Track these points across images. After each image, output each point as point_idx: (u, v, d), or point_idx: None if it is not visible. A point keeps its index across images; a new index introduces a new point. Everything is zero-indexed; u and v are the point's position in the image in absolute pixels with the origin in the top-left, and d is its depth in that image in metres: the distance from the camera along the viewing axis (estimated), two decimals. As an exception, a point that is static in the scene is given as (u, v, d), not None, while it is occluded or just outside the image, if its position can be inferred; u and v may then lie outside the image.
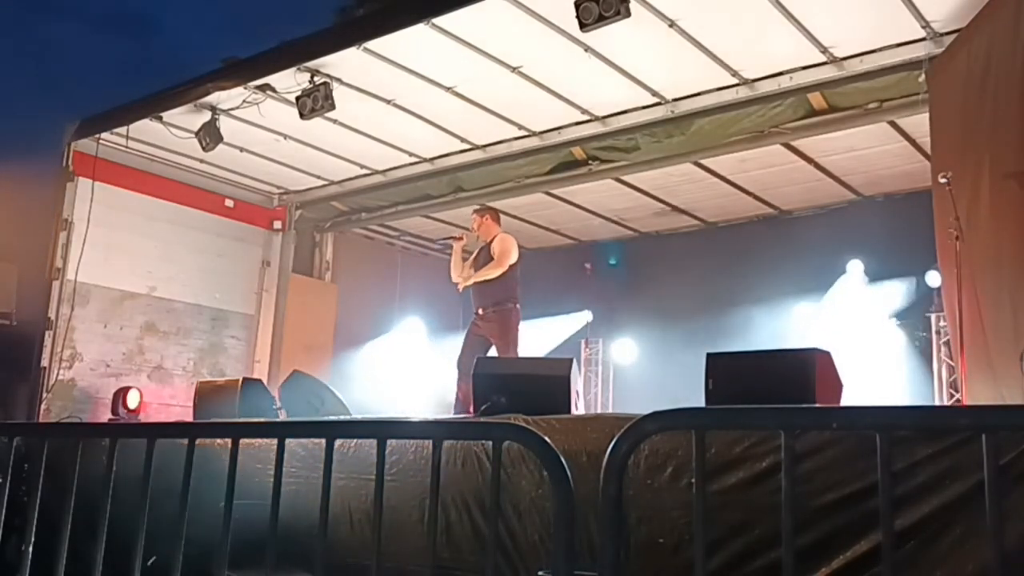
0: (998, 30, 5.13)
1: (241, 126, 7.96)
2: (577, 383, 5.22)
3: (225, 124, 7.80)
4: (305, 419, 6.01)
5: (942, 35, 6.03)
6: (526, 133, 8.20)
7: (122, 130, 8.22)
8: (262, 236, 9.99)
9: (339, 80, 7.06)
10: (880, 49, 6.39)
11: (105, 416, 8.04)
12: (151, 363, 8.88)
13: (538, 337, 10.34)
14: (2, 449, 3.10)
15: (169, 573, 2.48)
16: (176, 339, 9.12)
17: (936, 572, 2.90)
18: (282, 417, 6.47)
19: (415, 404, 10.32)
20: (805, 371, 4.07)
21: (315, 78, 6.99)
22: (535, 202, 9.63)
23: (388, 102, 7.58)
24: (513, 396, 4.91)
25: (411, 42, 6.53)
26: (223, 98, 7.51)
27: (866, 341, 8.89)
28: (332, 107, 6.99)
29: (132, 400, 8.02)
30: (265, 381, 8.09)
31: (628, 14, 5.50)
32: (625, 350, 10.61)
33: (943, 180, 5.20)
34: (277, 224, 10.08)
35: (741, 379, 4.18)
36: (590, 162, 8.42)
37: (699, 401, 4.24)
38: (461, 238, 7.45)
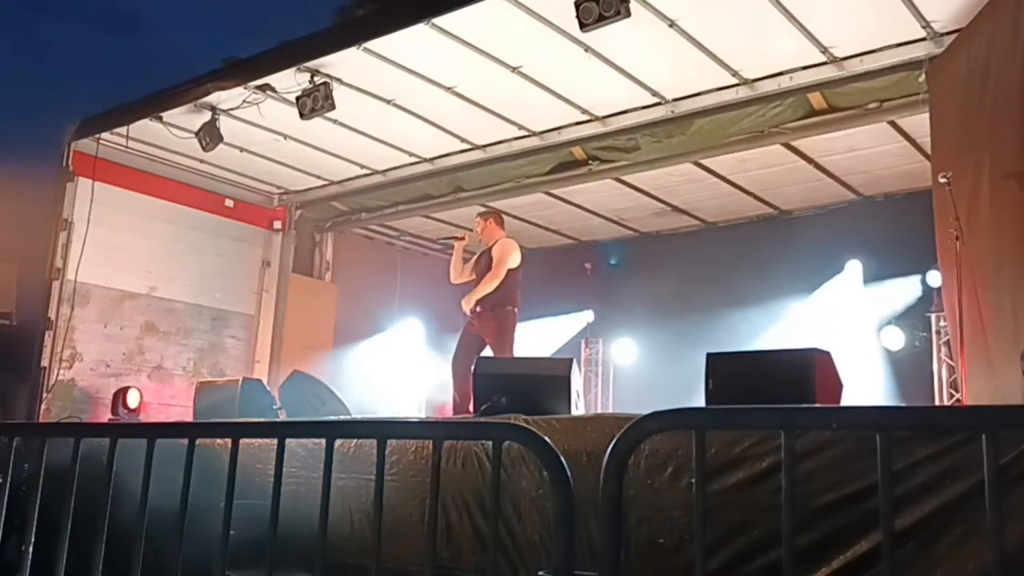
0: (998, 30, 5.13)
1: (241, 126, 7.96)
2: (577, 383, 5.22)
3: (225, 124, 7.80)
4: (305, 419, 6.01)
5: (942, 35, 6.03)
6: (526, 133, 8.20)
7: (122, 130, 8.22)
8: (262, 236, 9.99)
9: (339, 80, 7.06)
10: (880, 49, 6.39)
11: (105, 416, 8.04)
12: (151, 363, 8.88)
13: (540, 338, 10.35)
14: (2, 449, 3.10)
15: (170, 573, 2.48)
16: (176, 339, 9.12)
17: (936, 572, 2.91)
18: (282, 417, 6.47)
19: (404, 404, 10.35)
20: (805, 371, 4.07)
21: (315, 78, 6.99)
22: (535, 202, 9.63)
23: (388, 102, 7.58)
24: (513, 396, 4.91)
25: (411, 42, 6.53)
26: (223, 98, 7.51)
27: (866, 341, 8.89)
28: (332, 107, 6.99)
29: (132, 400, 8.02)
30: (265, 381, 8.10)
31: (628, 14, 5.50)
32: (625, 350, 10.61)
33: (943, 180, 5.20)
34: (277, 224, 10.07)
35: (741, 379, 4.19)
36: (590, 162, 8.42)
37: (699, 401, 4.24)
38: (463, 238, 7.45)
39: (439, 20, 6.23)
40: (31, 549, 2.78)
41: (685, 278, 9.76)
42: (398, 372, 10.72)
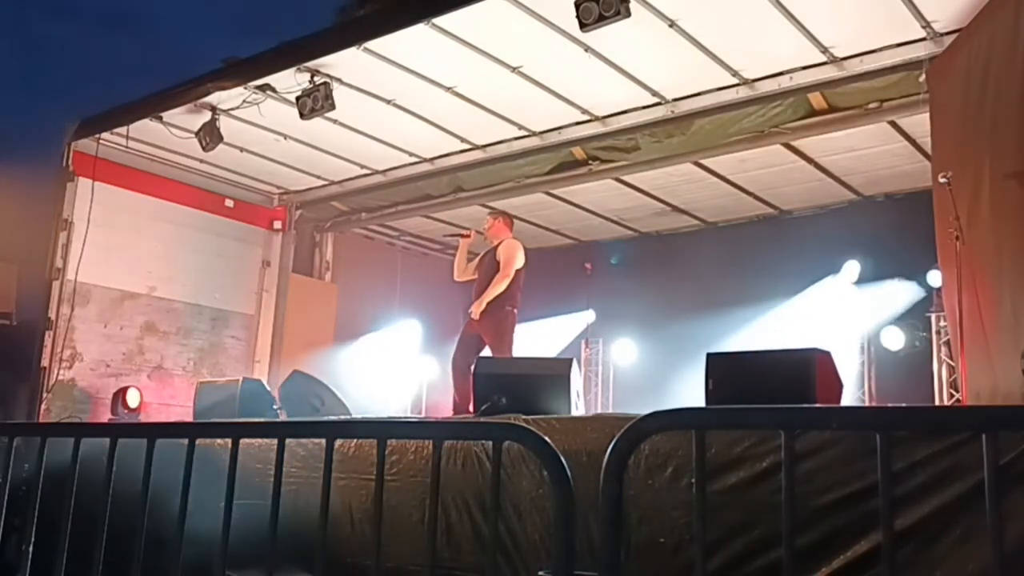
0: (998, 30, 5.13)
1: (241, 126, 7.96)
2: (577, 383, 5.22)
3: (225, 124, 7.80)
4: (305, 419, 6.01)
5: (942, 35, 6.03)
6: (526, 133, 8.20)
7: (122, 130, 8.22)
8: (262, 236, 9.99)
9: (339, 80, 7.06)
10: (880, 49, 6.39)
11: (105, 416, 8.04)
12: (151, 363, 8.88)
13: (542, 338, 10.34)
14: (2, 449, 3.10)
15: (170, 572, 2.48)
16: (176, 339, 9.12)
17: (936, 572, 2.91)
18: (282, 417, 6.47)
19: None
20: (805, 371, 4.07)
21: (315, 78, 6.99)
22: (535, 202, 9.62)
23: (388, 102, 7.58)
24: (513, 396, 4.92)
25: (411, 42, 6.52)
26: (223, 98, 7.51)
27: (866, 341, 8.89)
28: (332, 107, 6.99)
29: (132, 399, 8.02)
30: (265, 381, 8.10)
31: (628, 14, 5.50)
32: (625, 350, 10.60)
33: (943, 180, 5.20)
34: (277, 224, 10.07)
35: (741, 379, 4.19)
36: (590, 162, 8.42)
37: (699, 401, 4.24)
38: (469, 235, 7.45)
39: (439, 20, 6.23)
40: (31, 549, 2.78)
41: (685, 278, 9.76)
42: (393, 372, 10.71)
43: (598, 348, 10.75)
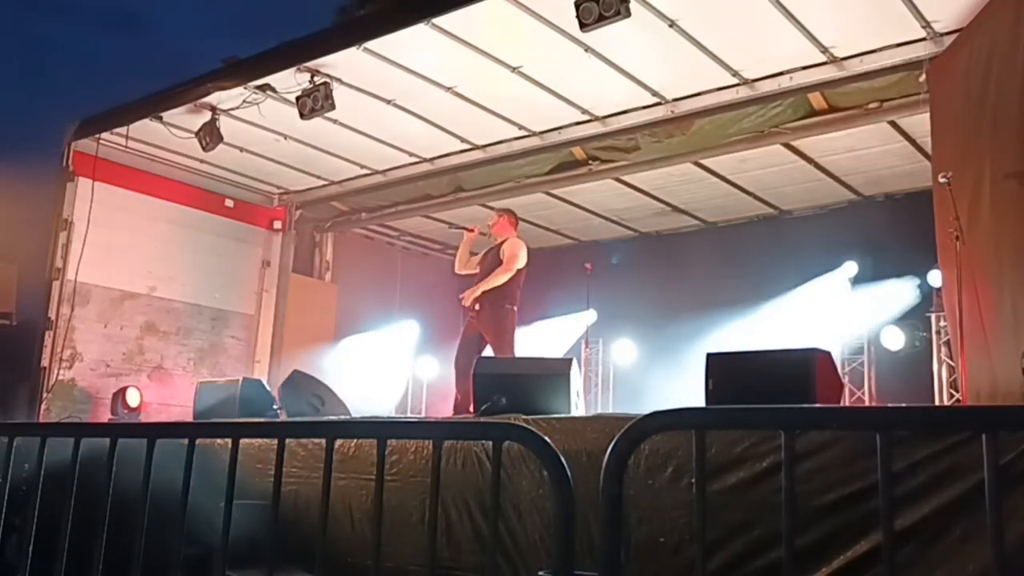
0: (999, 30, 5.13)
1: (241, 126, 7.96)
2: (577, 383, 5.22)
3: (225, 124, 7.80)
4: (305, 419, 6.01)
5: (942, 35, 6.03)
6: (526, 133, 8.20)
7: (122, 130, 8.22)
8: (262, 236, 9.99)
9: (339, 80, 7.06)
10: (880, 49, 6.39)
11: (105, 416, 8.04)
12: (151, 363, 8.88)
13: (545, 339, 10.33)
14: (2, 449, 3.10)
15: (172, 572, 2.48)
16: (176, 339, 9.12)
17: (936, 572, 2.91)
18: (282, 417, 6.46)
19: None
20: (805, 371, 4.07)
21: (315, 78, 6.99)
22: (535, 202, 9.62)
23: (388, 102, 7.58)
24: (513, 396, 4.91)
25: (411, 42, 6.52)
26: (223, 98, 7.51)
27: (866, 341, 8.89)
28: (332, 107, 6.99)
29: (132, 399, 8.02)
30: (265, 381, 8.09)
31: (628, 14, 5.50)
32: (625, 350, 10.60)
33: (943, 180, 5.20)
34: (277, 224, 10.07)
35: (741, 379, 4.18)
36: (590, 162, 8.43)
37: (699, 401, 4.24)
38: (474, 231, 7.45)
39: (439, 20, 6.23)
40: (31, 549, 2.78)
41: (685, 278, 9.76)
42: (385, 372, 10.71)
43: (598, 348, 10.75)
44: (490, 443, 2.20)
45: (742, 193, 9.31)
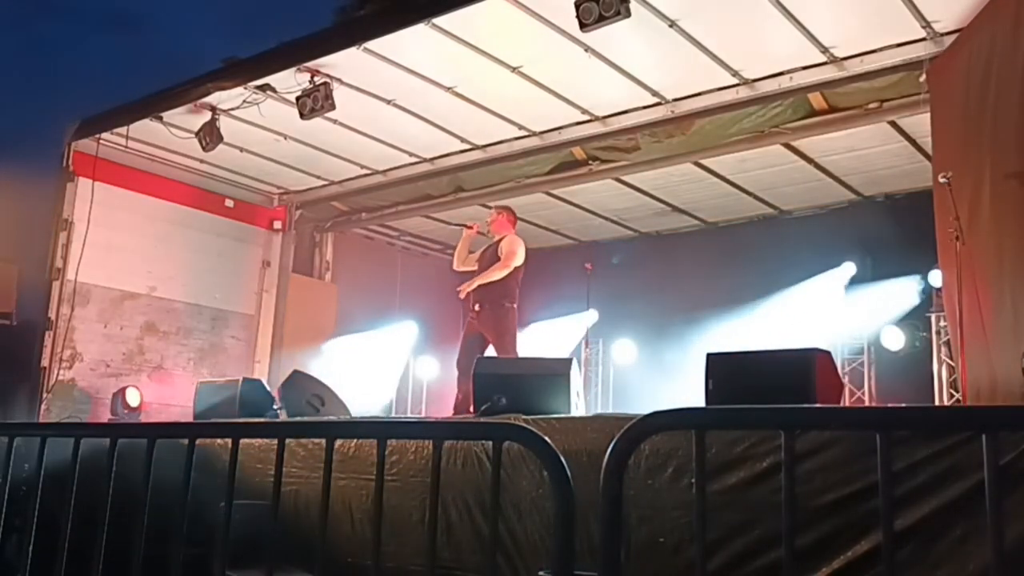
0: (999, 30, 5.13)
1: (241, 126, 7.96)
2: (577, 383, 5.22)
3: (225, 124, 7.80)
4: (305, 419, 6.01)
5: (942, 35, 6.03)
6: (526, 133, 8.20)
7: (122, 130, 8.22)
8: (262, 236, 9.99)
9: (339, 80, 7.06)
10: (880, 49, 6.39)
11: (105, 416, 8.04)
12: (151, 363, 8.88)
13: (547, 340, 10.32)
14: (2, 449, 3.10)
15: (172, 572, 2.48)
16: (176, 339, 9.11)
17: (936, 572, 2.91)
18: (282, 417, 6.46)
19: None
20: (805, 371, 4.07)
21: (315, 78, 6.99)
22: (535, 202, 9.62)
23: (388, 102, 7.58)
24: (513, 396, 4.91)
25: (411, 42, 6.52)
26: (223, 98, 7.51)
27: (866, 341, 8.89)
28: (332, 107, 6.99)
29: (132, 399, 8.03)
30: (265, 381, 8.09)
31: (628, 14, 5.50)
32: (625, 350, 10.60)
33: (943, 180, 5.20)
34: (277, 224, 10.07)
35: (741, 379, 4.18)
36: (590, 162, 8.43)
37: (699, 401, 4.24)
38: (473, 228, 7.45)
39: (439, 20, 6.23)
40: (31, 549, 2.78)
41: (685, 278, 9.77)
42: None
43: (598, 348, 10.74)
44: (490, 443, 2.20)
45: (742, 193, 9.31)
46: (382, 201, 10.07)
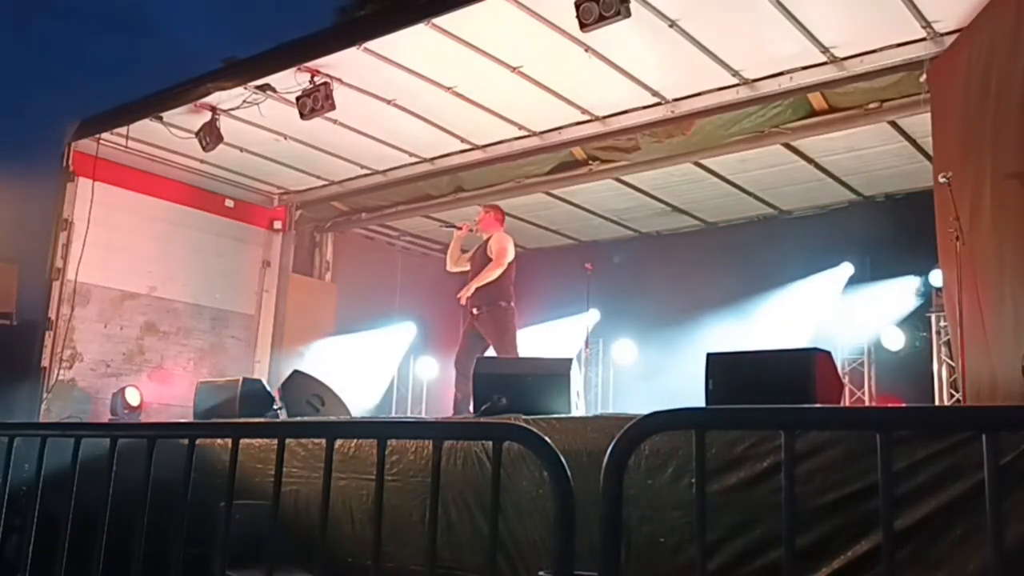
0: (999, 30, 5.12)
1: (241, 126, 7.96)
2: (577, 383, 5.22)
3: (225, 124, 7.80)
4: (305, 419, 6.01)
5: (943, 35, 6.03)
6: (526, 133, 8.20)
7: (122, 130, 8.23)
8: (262, 236, 9.99)
9: (339, 80, 7.06)
10: (881, 49, 6.38)
11: (105, 416, 8.04)
12: (151, 363, 8.88)
13: (548, 340, 10.31)
14: (2, 449, 3.10)
15: (172, 571, 2.48)
16: (176, 339, 9.11)
17: (936, 572, 2.91)
18: (282, 417, 6.47)
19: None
20: (805, 371, 4.07)
21: (315, 78, 6.99)
22: (535, 202, 9.63)
23: (388, 102, 7.58)
24: (513, 396, 4.91)
25: (411, 42, 6.52)
26: (223, 98, 7.51)
27: (866, 341, 8.89)
28: (332, 107, 6.99)
29: (132, 399, 8.03)
30: (265, 381, 8.09)
31: (628, 14, 5.50)
32: (625, 350, 10.60)
33: (943, 180, 5.20)
34: (277, 224, 10.07)
35: (741, 379, 4.18)
36: (590, 162, 8.43)
37: (699, 401, 4.24)
38: (462, 228, 7.45)
39: (439, 20, 6.23)
40: (31, 549, 2.78)
41: (685, 278, 9.76)
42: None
43: (598, 348, 10.74)
44: (490, 443, 2.19)
45: (742, 193, 9.31)
46: (382, 201, 10.07)
